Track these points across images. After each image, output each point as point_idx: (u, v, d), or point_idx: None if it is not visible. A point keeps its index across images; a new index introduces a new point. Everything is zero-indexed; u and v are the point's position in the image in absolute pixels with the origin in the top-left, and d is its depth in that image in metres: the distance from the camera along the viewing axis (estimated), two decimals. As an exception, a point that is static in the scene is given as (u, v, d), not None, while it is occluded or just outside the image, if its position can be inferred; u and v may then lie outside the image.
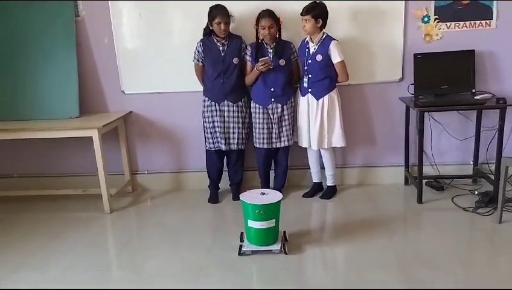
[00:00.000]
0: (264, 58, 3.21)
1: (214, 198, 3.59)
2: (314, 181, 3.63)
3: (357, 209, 3.28)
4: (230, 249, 2.74)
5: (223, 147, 3.44)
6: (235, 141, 3.44)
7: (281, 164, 3.59)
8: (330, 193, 3.56)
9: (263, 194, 2.72)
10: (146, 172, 3.89)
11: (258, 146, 3.48)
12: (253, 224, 2.64)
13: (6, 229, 3.23)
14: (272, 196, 2.72)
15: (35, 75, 3.57)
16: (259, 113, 3.41)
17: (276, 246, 2.67)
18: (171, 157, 3.84)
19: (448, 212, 3.15)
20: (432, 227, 2.98)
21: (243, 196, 2.71)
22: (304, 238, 2.86)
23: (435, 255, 2.58)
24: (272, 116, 3.40)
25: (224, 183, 3.68)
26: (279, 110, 3.39)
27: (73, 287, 2.43)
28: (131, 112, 3.73)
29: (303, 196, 3.57)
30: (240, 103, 3.41)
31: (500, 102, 3.11)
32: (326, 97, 3.29)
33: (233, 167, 3.59)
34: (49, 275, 2.57)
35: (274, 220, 2.66)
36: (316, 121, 3.32)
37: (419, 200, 3.31)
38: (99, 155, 3.29)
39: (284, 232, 2.82)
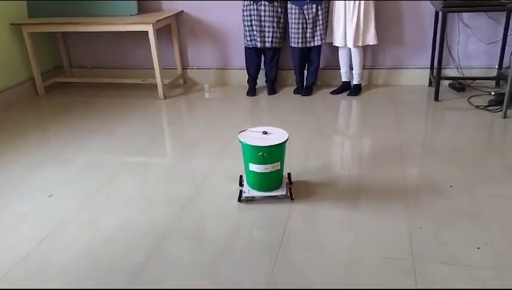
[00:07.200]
0: None
1: (252, 91, 4.09)
2: (343, 80, 3.99)
3: (378, 105, 3.64)
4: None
5: (259, 45, 3.86)
6: (270, 39, 3.83)
7: (313, 63, 3.95)
8: (356, 90, 3.92)
9: (265, 133, 2.35)
10: (195, 68, 4.44)
11: (293, 45, 3.85)
12: (256, 168, 2.30)
13: (83, 107, 4.00)
14: (276, 135, 2.34)
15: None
16: (294, 13, 3.73)
17: (281, 191, 2.37)
18: (217, 55, 4.33)
19: (460, 110, 3.43)
20: (440, 119, 3.32)
21: (243, 137, 2.32)
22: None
23: (434, 140, 2.97)
24: (306, 17, 3.71)
25: (262, 81, 4.13)
26: (314, 10, 3.68)
27: (132, 146, 3.15)
28: (182, 11, 4.20)
29: (331, 93, 3.97)
30: (275, 3, 3.74)
31: (527, 4, 3.19)
32: None
33: (269, 64, 4.02)
34: (117, 136, 3.30)
35: (279, 163, 2.34)
36: (352, 19, 3.58)
37: (436, 98, 3.59)
38: (154, 48, 3.86)
39: (289, 174, 2.52)
